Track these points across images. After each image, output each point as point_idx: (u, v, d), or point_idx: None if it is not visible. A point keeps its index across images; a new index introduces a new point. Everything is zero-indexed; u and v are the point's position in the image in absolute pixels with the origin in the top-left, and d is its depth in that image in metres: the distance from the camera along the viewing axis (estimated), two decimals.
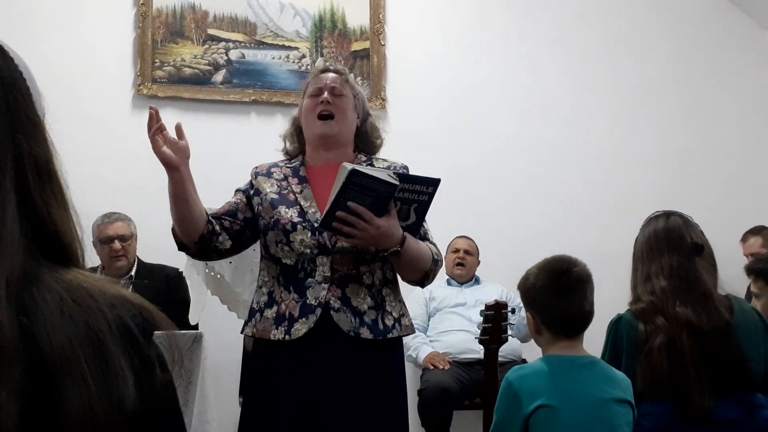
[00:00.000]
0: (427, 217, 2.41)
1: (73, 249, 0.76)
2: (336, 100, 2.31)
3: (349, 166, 2.02)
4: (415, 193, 2.15)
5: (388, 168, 2.29)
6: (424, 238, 2.33)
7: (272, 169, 2.38)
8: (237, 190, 2.38)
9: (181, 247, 2.26)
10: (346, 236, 2.08)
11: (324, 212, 2.10)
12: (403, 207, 2.16)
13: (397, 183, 2.07)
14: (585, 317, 2.02)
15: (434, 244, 2.35)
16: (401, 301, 2.34)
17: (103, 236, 3.78)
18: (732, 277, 2.53)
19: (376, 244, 2.13)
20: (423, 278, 2.29)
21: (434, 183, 2.16)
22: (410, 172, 2.29)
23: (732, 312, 2.23)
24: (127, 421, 0.67)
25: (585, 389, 1.95)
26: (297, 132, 2.43)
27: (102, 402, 0.66)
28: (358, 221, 2.05)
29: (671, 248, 2.31)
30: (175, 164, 2.08)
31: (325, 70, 2.39)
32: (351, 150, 2.39)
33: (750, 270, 2.74)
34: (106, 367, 0.67)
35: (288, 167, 2.38)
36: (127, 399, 0.67)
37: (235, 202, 2.33)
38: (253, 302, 2.32)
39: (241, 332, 2.33)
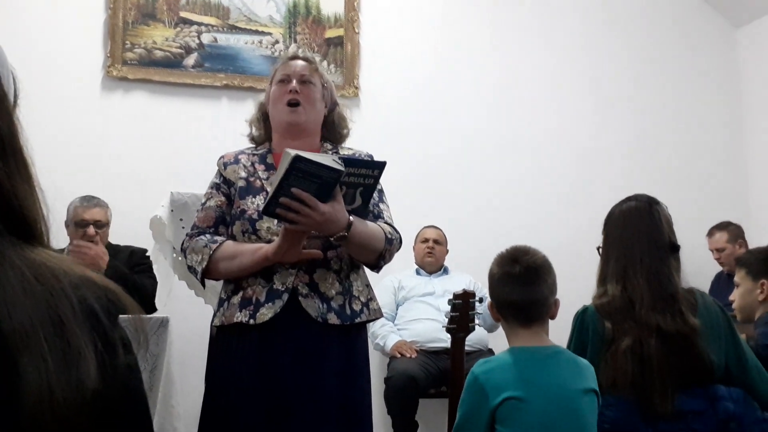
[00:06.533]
0: (390, 201, 2.40)
1: (38, 226, 0.75)
2: (304, 88, 2.31)
3: (293, 152, 1.99)
4: (360, 177, 2.13)
5: (343, 155, 2.27)
6: (379, 217, 2.32)
7: (239, 156, 2.37)
8: (212, 189, 2.35)
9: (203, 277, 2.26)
10: (290, 222, 2.06)
11: (266, 198, 2.07)
12: (349, 191, 2.14)
13: (342, 169, 2.04)
14: (534, 305, 2.02)
15: (390, 225, 2.32)
16: (368, 286, 2.34)
17: (78, 219, 3.70)
18: (695, 271, 2.54)
19: (321, 229, 2.11)
20: (378, 258, 2.26)
21: (380, 166, 2.15)
22: (377, 160, 2.26)
23: (696, 309, 2.25)
24: (88, 402, 0.66)
25: (552, 380, 1.95)
26: (263, 118, 2.42)
27: (61, 382, 0.65)
28: (301, 207, 2.02)
29: (650, 246, 2.27)
30: (296, 258, 2.13)
31: (295, 57, 2.38)
32: (318, 139, 2.38)
33: (737, 260, 2.99)
34: (68, 348, 0.66)
35: (255, 154, 2.37)
36: (87, 380, 0.66)
37: (218, 206, 2.30)
38: (221, 292, 2.31)
39: (212, 323, 2.31)
